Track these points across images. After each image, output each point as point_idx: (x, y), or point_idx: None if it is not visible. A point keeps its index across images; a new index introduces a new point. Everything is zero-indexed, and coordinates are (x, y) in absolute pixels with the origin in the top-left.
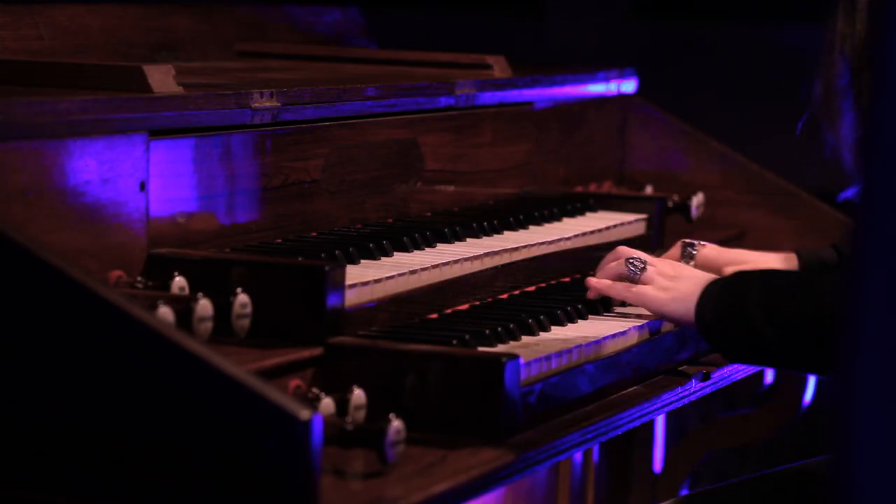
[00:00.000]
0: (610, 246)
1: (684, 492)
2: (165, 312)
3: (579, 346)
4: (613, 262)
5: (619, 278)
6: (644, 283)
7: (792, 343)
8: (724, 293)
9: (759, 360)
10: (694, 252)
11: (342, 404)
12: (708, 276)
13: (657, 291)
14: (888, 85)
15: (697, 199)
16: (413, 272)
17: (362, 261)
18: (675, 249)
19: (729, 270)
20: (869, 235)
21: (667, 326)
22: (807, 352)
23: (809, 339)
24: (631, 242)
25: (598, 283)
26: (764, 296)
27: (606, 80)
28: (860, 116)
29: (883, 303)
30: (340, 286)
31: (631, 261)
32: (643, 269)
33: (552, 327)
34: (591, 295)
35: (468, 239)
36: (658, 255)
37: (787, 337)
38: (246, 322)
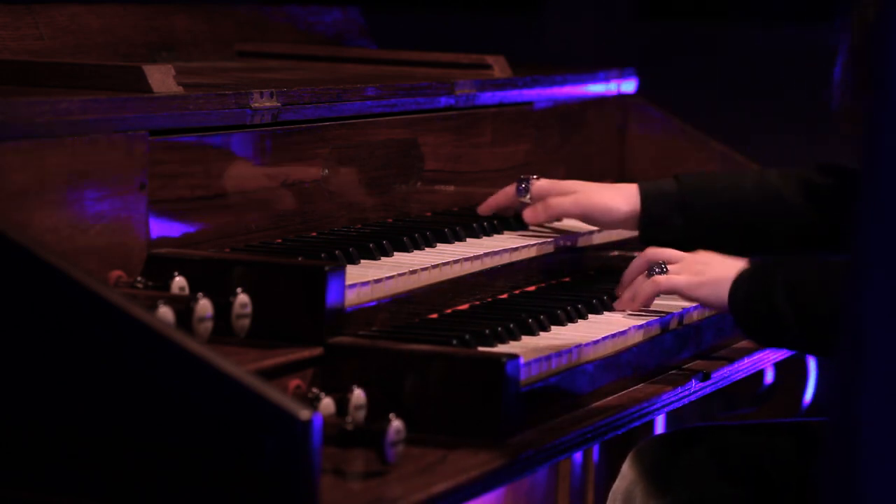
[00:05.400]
0: (610, 246)
1: None
2: (165, 312)
3: (579, 346)
4: (637, 269)
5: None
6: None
7: (812, 330)
8: (754, 278)
9: (783, 345)
10: (529, 186)
11: (342, 404)
12: (737, 262)
13: (685, 279)
14: (889, 84)
15: None
16: (413, 272)
17: (362, 261)
18: (511, 188)
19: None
20: (869, 236)
21: (671, 325)
22: (826, 339)
23: (828, 327)
24: (631, 242)
25: (631, 304)
26: (789, 284)
27: (606, 80)
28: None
29: (888, 303)
30: (340, 286)
31: (653, 268)
32: (665, 270)
33: (552, 327)
34: (635, 308)
35: (468, 239)
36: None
37: (808, 325)
38: (246, 322)
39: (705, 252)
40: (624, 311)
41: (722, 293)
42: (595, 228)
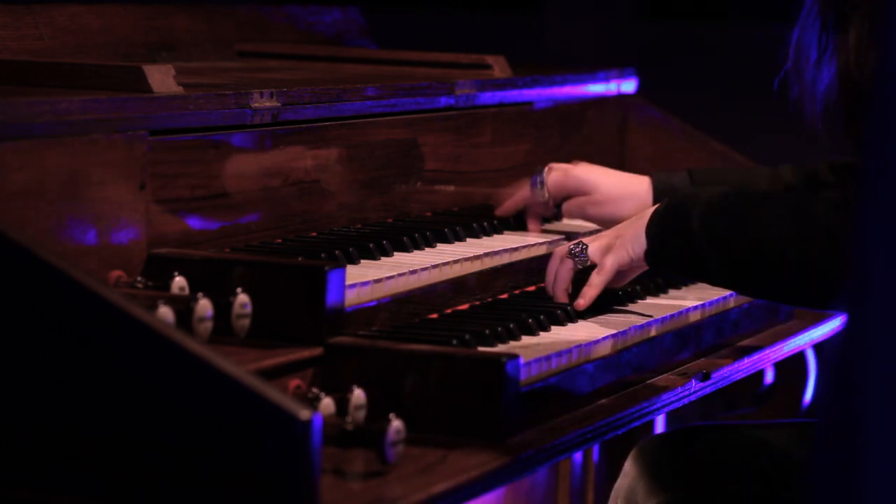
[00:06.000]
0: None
1: None
2: (165, 312)
3: (579, 346)
4: (559, 267)
5: (572, 271)
6: (600, 259)
7: (732, 267)
8: (666, 216)
9: (704, 279)
10: (544, 181)
11: (342, 404)
12: (645, 212)
13: (614, 253)
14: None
15: None
16: (413, 272)
17: (362, 261)
18: (525, 188)
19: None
20: (870, 232)
21: (670, 325)
22: (747, 276)
23: (749, 264)
24: None
25: (585, 300)
26: (706, 220)
27: (606, 80)
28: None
29: (889, 303)
30: (340, 286)
31: (572, 252)
32: (586, 248)
33: (552, 327)
34: (585, 304)
35: (468, 239)
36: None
37: (729, 261)
38: (246, 322)
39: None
40: (587, 305)
41: (644, 240)
42: (596, 228)
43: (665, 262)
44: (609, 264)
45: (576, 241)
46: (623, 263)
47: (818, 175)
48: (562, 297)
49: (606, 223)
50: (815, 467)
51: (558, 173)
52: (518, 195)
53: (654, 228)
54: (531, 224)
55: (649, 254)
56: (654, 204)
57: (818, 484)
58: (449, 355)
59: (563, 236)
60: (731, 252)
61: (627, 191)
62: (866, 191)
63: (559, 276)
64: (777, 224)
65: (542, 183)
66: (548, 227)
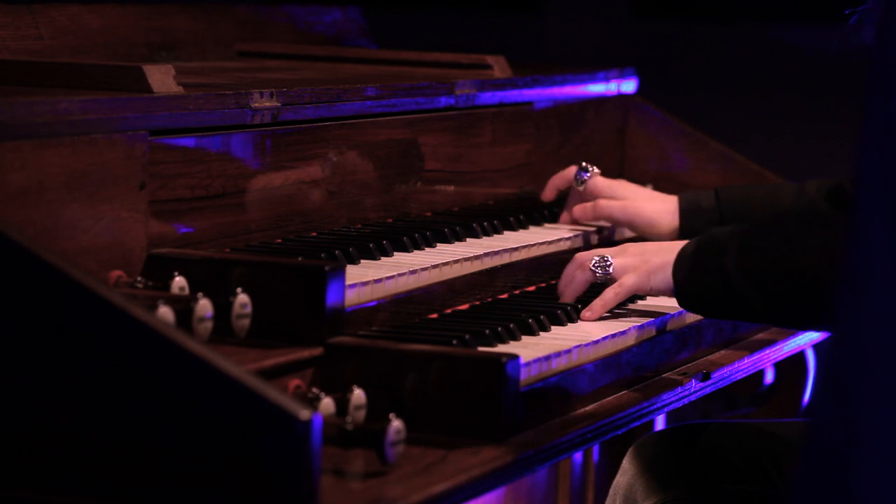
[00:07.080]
0: (610, 245)
1: None
2: (165, 312)
3: (579, 346)
4: (578, 273)
5: (592, 284)
6: (620, 276)
7: (774, 299)
8: (698, 254)
9: (741, 317)
10: (585, 178)
11: (342, 404)
12: (674, 244)
13: (636, 276)
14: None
15: None
16: (413, 272)
17: (362, 261)
18: (570, 172)
19: (604, 203)
20: (869, 236)
21: (670, 325)
22: (789, 307)
23: (791, 294)
24: (630, 241)
25: (593, 313)
26: (742, 254)
27: (606, 80)
28: None
29: (889, 303)
30: (340, 286)
31: (594, 265)
32: (609, 265)
33: (552, 327)
34: (592, 317)
35: (468, 239)
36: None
37: (769, 293)
38: (246, 322)
39: (635, 244)
40: (594, 319)
41: (669, 279)
42: (596, 228)
43: (698, 305)
44: (628, 286)
45: (601, 255)
46: (641, 290)
47: (842, 188)
48: (569, 300)
49: (635, 228)
50: (807, 468)
51: (602, 181)
52: (558, 178)
53: (683, 272)
54: (564, 215)
55: (679, 294)
56: (680, 221)
57: (810, 484)
58: (449, 355)
59: (568, 236)
60: (775, 288)
61: (661, 202)
62: (864, 191)
63: (575, 281)
64: (817, 253)
65: (584, 181)
66: (549, 225)
